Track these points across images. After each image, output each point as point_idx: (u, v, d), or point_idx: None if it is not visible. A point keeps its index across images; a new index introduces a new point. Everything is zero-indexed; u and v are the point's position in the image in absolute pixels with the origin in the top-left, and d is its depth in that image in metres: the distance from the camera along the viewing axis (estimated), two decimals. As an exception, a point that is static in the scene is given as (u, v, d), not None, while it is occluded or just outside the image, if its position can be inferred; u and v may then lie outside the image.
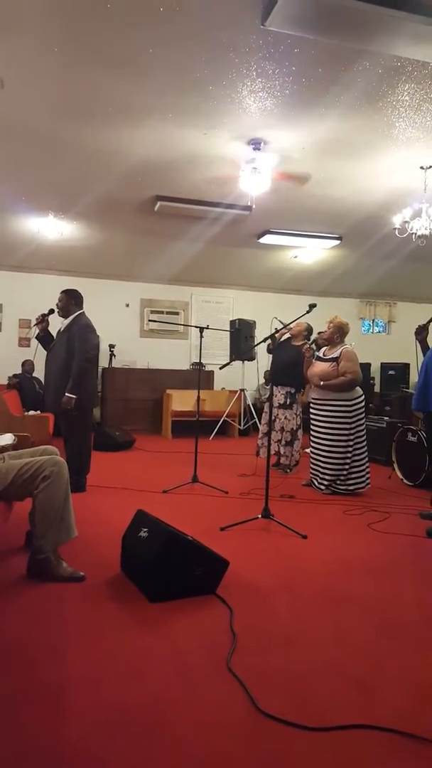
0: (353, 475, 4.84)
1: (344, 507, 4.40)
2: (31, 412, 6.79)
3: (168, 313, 9.85)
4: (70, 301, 4.65)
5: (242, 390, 8.66)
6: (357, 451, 4.85)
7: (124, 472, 5.53)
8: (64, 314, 4.66)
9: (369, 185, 5.65)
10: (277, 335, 4.65)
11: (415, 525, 3.95)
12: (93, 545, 3.18)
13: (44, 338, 4.74)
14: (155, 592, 2.51)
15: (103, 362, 8.62)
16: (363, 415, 4.92)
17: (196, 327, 5.37)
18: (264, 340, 4.24)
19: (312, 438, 5.05)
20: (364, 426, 4.92)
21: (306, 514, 4.19)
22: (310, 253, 8.45)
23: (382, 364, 10.25)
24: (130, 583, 2.69)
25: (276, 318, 4.77)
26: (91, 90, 3.89)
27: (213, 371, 9.18)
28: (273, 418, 5.65)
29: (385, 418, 6.79)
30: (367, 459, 4.92)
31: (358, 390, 4.91)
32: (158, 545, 2.57)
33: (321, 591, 2.72)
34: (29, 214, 6.81)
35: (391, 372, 10.05)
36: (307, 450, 5.24)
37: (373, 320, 11.15)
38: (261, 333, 5.91)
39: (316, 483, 4.98)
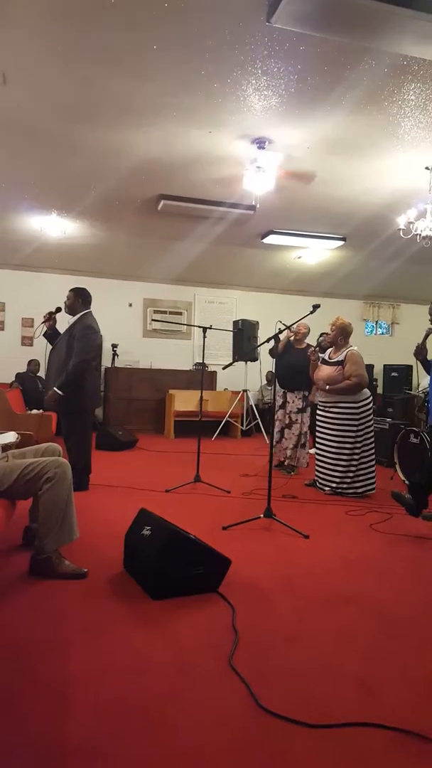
0: (360, 477, 4.81)
1: (346, 507, 4.39)
2: (34, 411, 6.79)
3: (171, 313, 9.85)
4: (78, 299, 4.64)
5: (245, 391, 8.65)
6: (365, 453, 4.82)
7: (126, 472, 5.53)
8: (71, 312, 4.65)
9: (374, 185, 5.64)
10: (282, 339, 4.65)
11: (417, 526, 3.93)
12: (95, 544, 3.17)
13: (52, 336, 4.74)
14: (158, 590, 2.51)
15: (106, 362, 8.62)
16: (371, 417, 4.89)
17: (199, 327, 5.36)
18: (267, 341, 4.22)
19: (318, 440, 5.03)
20: (372, 428, 4.89)
21: (308, 514, 4.18)
22: (314, 253, 8.43)
23: (385, 365, 10.23)
24: (133, 581, 2.69)
25: (280, 321, 4.77)
26: (94, 88, 3.88)
27: (216, 372, 9.17)
28: (290, 422, 5.63)
29: (388, 419, 6.78)
30: (374, 461, 4.89)
31: (366, 392, 4.88)
32: (161, 544, 2.56)
33: (323, 590, 2.71)
34: (32, 213, 6.81)
35: (394, 374, 10.04)
36: (312, 451, 5.22)
37: (377, 322, 11.13)
38: (264, 334, 5.90)
39: (320, 484, 4.96)
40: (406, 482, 5.31)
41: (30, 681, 1.83)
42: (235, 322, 8.64)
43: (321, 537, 3.58)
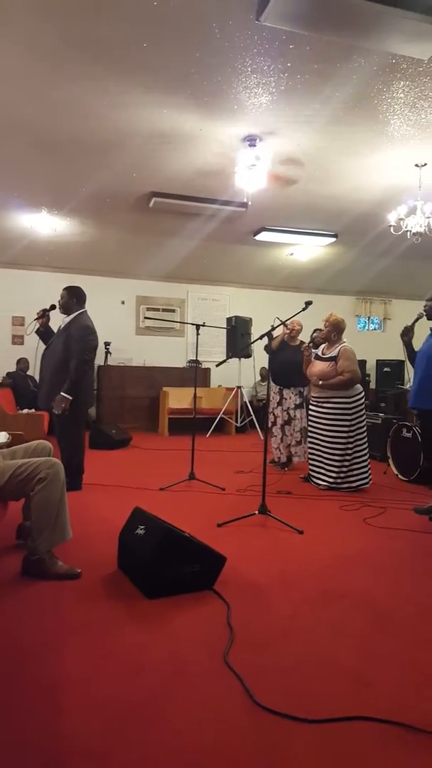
0: (355, 472, 4.87)
1: (340, 502, 4.42)
2: (26, 411, 6.78)
3: (164, 310, 9.84)
4: (72, 299, 4.62)
5: (239, 387, 8.66)
6: (358, 448, 4.87)
7: (120, 470, 5.53)
8: (65, 311, 4.63)
9: (364, 182, 5.65)
10: (273, 333, 4.66)
11: (410, 520, 3.97)
12: (89, 543, 3.18)
13: (44, 333, 4.72)
14: (152, 589, 2.52)
15: (99, 360, 8.57)
16: (363, 411, 4.94)
17: (193, 324, 5.37)
18: (261, 338, 4.24)
19: (311, 435, 5.07)
20: (364, 422, 4.94)
21: (302, 509, 4.20)
22: (306, 250, 8.45)
23: (377, 361, 10.28)
24: (127, 580, 2.70)
25: (278, 318, 4.79)
26: (83, 85, 3.87)
27: (209, 368, 9.19)
28: (289, 419, 5.66)
29: (381, 414, 6.81)
30: (368, 455, 4.94)
31: (358, 387, 4.93)
32: (155, 542, 2.57)
33: (317, 586, 2.73)
34: (22, 210, 6.77)
35: (386, 369, 10.08)
36: (307, 445, 5.26)
37: (369, 317, 11.18)
38: (257, 330, 5.92)
39: (315, 480, 5.00)
40: (399, 478, 5.35)
41: (25, 682, 1.84)
42: (229, 319, 8.65)
43: (315, 532, 3.60)
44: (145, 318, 9.68)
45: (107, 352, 9.00)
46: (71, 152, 5.04)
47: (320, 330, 5.20)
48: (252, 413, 8.53)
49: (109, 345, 8.99)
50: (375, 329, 11.27)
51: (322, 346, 5.11)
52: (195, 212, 6.52)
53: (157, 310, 9.77)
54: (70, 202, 6.40)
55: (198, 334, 5.28)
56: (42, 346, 4.78)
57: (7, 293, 8.96)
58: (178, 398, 8.38)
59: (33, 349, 4.88)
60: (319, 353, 5.08)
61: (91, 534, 3.34)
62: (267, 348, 4.69)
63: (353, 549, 3.33)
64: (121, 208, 6.62)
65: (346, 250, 8.38)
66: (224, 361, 4.83)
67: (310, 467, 5.07)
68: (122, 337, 9.41)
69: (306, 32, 3.11)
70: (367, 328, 11.23)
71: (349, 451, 4.83)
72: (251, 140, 4.63)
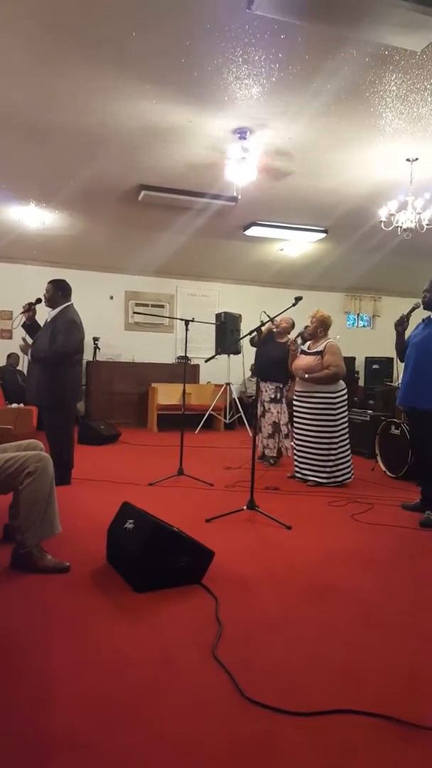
0: (340, 467, 4.89)
1: (328, 498, 4.41)
2: (14, 405, 6.71)
3: (153, 306, 9.78)
4: (57, 292, 4.57)
5: (228, 384, 8.64)
6: (342, 443, 4.91)
7: (109, 466, 5.49)
8: (51, 305, 4.58)
9: (355, 177, 5.64)
10: (263, 329, 4.66)
11: (397, 516, 3.97)
12: (78, 538, 3.15)
13: (31, 327, 4.67)
14: (141, 583, 2.49)
15: (88, 355, 8.52)
16: (346, 407, 5.00)
17: (182, 320, 5.33)
18: (250, 333, 4.21)
19: (296, 431, 5.08)
20: (347, 418, 5.00)
21: (291, 505, 4.19)
22: (297, 245, 8.43)
23: (366, 358, 10.30)
24: (116, 574, 2.67)
25: (264, 312, 4.77)
26: (72, 75, 3.82)
27: (199, 365, 9.14)
28: (263, 411, 5.69)
29: (369, 411, 6.82)
30: (350, 450, 4.99)
31: (342, 383, 4.98)
32: (144, 536, 2.55)
33: (305, 581, 2.72)
34: (9, 203, 6.69)
35: (375, 366, 10.11)
36: (293, 443, 5.25)
37: (358, 314, 11.19)
38: (247, 327, 5.91)
39: (301, 475, 5.00)
40: (387, 475, 5.36)
41: (12, 675, 1.81)
42: (218, 315, 8.61)
43: (303, 528, 3.59)
44: (134, 314, 9.62)
45: (96, 348, 8.93)
46: (60, 144, 4.98)
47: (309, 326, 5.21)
48: (241, 410, 8.51)
49: (98, 341, 8.93)
50: (364, 326, 11.29)
51: (309, 342, 5.13)
52: (184, 206, 6.47)
53: (146, 305, 9.72)
54: (58, 194, 6.33)
55: (187, 330, 5.24)
56: (29, 340, 4.72)
57: (-6, 287, 8.85)
58: (167, 394, 8.34)
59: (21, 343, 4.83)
60: (305, 348, 5.10)
61: (80, 528, 3.30)
62: (251, 340, 4.70)
63: (341, 545, 3.32)
64: (110, 201, 6.56)
65: (336, 245, 8.37)
66: (213, 357, 4.80)
67: (298, 464, 5.07)
68: (111, 332, 9.34)
69: (297, 21, 3.08)
70: (356, 325, 11.24)
71: (334, 447, 4.87)
72: (241, 133, 4.60)
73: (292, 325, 5.78)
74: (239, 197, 5.83)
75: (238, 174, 4.97)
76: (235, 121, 4.43)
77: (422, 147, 4.86)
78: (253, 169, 4.96)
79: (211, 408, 8.41)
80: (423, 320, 4.06)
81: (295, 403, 5.13)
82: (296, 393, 5.12)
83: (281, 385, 5.71)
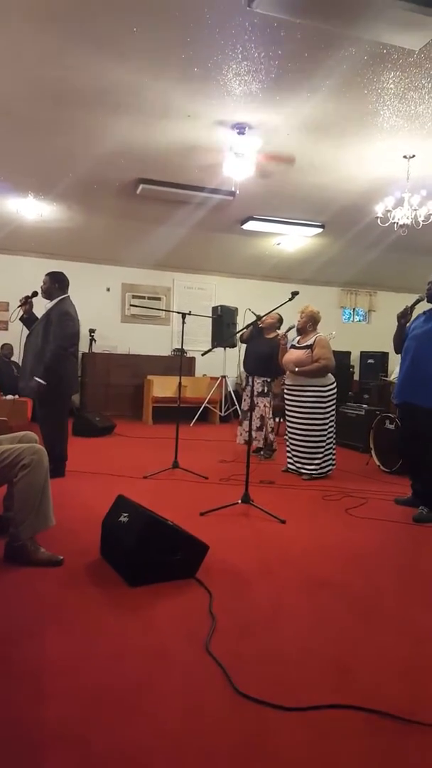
0: (327, 458, 5.03)
1: (323, 492, 4.46)
2: (9, 397, 6.71)
3: (150, 298, 9.78)
4: (54, 284, 4.58)
5: (223, 377, 8.67)
6: (330, 435, 5.04)
7: (104, 458, 5.52)
8: (47, 297, 4.59)
9: (352, 173, 5.65)
10: (260, 324, 4.70)
11: (391, 510, 4.01)
12: (72, 530, 3.17)
13: (28, 320, 4.67)
14: (135, 577, 2.52)
15: (83, 347, 8.53)
16: (335, 401, 5.08)
17: (179, 313, 5.34)
18: (246, 327, 4.25)
19: (289, 424, 5.14)
20: (334, 413, 5.09)
21: (285, 499, 4.23)
22: (293, 240, 8.44)
23: (361, 352, 10.33)
24: (110, 568, 2.70)
25: (249, 309, 4.82)
26: (72, 69, 3.81)
27: (194, 357, 9.15)
28: (252, 405, 5.74)
29: (364, 405, 6.86)
30: (335, 443, 5.13)
31: (331, 377, 5.05)
32: (138, 530, 2.57)
33: (299, 575, 2.76)
34: (8, 194, 6.67)
35: (370, 360, 10.14)
36: (285, 437, 5.30)
37: (354, 309, 11.22)
38: (243, 320, 5.93)
39: (294, 468, 5.06)
40: (381, 469, 5.41)
41: (6, 668, 1.83)
42: (214, 308, 8.62)
43: (298, 522, 3.63)
44: (131, 306, 9.61)
45: (92, 340, 8.93)
46: (59, 137, 4.97)
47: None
48: (236, 403, 8.54)
49: (93, 332, 8.92)
50: (360, 321, 11.33)
51: (298, 337, 5.18)
52: (182, 200, 6.48)
53: (143, 298, 9.71)
54: (57, 187, 6.32)
55: (184, 322, 5.26)
56: (26, 332, 4.74)
57: (-9, 278, 8.84)
58: (162, 387, 8.36)
59: (17, 334, 4.84)
60: (295, 343, 5.18)
61: (74, 521, 3.33)
62: (240, 337, 4.75)
63: (335, 539, 3.36)
64: (109, 194, 6.55)
65: (332, 241, 8.38)
66: (210, 351, 4.83)
67: (290, 456, 5.13)
68: (107, 324, 9.34)
69: (297, 19, 3.09)
70: (352, 319, 11.27)
71: (325, 439, 4.97)
72: (240, 128, 4.60)
73: (279, 320, 5.80)
74: (237, 192, 5.84)
75: (236, 169, 4.98)
76: (234, 116, 4.44)
77: (419, 144, 4.88)
78: (251, 164, 4.97)
79: (206, 401, 8.43)
80: (424, 313, 3.95)
81: (286, 397, 5.20)
82: (287, 387, 5.18)
83: (268, 380, 5.77)
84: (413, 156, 5.10)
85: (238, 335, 4.84)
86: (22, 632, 2.08)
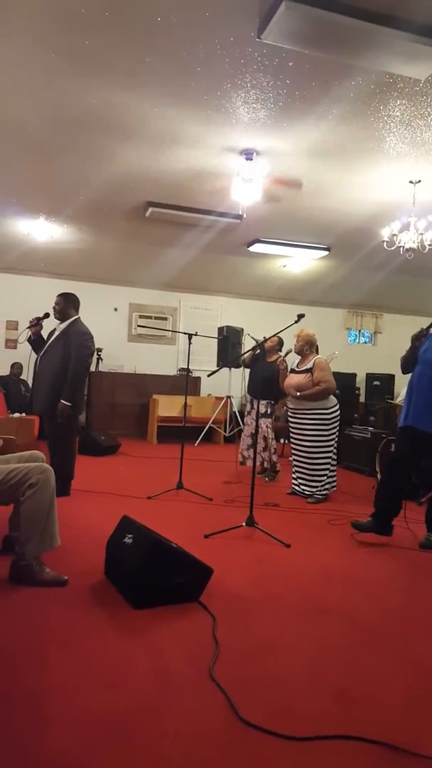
0: (330, 480, 5.05)
1: (328, 516, 4.43)
2: (17, 415, 6.75)
3: (156, 318, 9.85)
4: (68, 305, 4.65)
5: (228, 397, 8.68)
6: (333, 457, 5.07)
7: (108, 477, 5.51)
8: (61, 318, 4.65)
9: (358, 197, 5.71)
10: (266, 345, 4.73)
11: (397, 536, 3.96)
12: (77, 550, 3.16)
13: (36, 342, 4.72)
14: (139, 599, 2.51)
15: (90, 366, 8.57)
16: (338, 424, 5.10)
17: (185, 333, 5.38)
18: (252, 350, 4.27)
19: (293, 448, 5.13)
20: (337, 434, 5.12)
21: (290, 522, 4.20)
22: (299, 262, 8.50)
23: (367, 374, 10.33)
24: (114, 590, 2.69)
25: (249, 335, 4.87)
26: (85, 96, 3.90)
27: (200, 377, 9.19)
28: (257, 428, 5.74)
29: (370, 428, 6.84)
30: (335, 463, 5.15)
31: (334, 399, 5.07)
32: (143, 552, 2.57)
33: (304, 600, 2.73)
34: (20, 216, 6.78)
35: (376, 383, 10.13)
36: (290, 459, 5.30)
37: (360, 331, 11.25)
38: (249, 341, 5.96)
39: (300, 491, 5.05)
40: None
41: (7, 690, 1.82)
42: (220, 329, 8.67)
43: (302, 546, 3.60)
44: (138, 326, 9.68)
45: (99, 359, 8.99)
46: (70, 161, 5.06)
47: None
48: (241, 423, 8.52)
49: (100, 351, 8.98)
50: (366, 342, 11.34)
51: (297, 360, 5.21)
52: (190, 223, 6.56)
53: (150, 318, 9.78)
54: (67, 209, 6.42)
55: (190, 343, 5.29)
56: (39, 354, 4.77)
57: (2, 298, 8.95)
58: (167, 406, 8.38)
59: (26, 353, 4.88)
60: (294, 367, 5.21)
61: (79, 541, 3.32)
62: (243, 362, 4.80)
63: (340, 564, 3.33)
64: (118, 216, 6.65)
65: (339, 263, 8.44)
66: (216, 371, 4.85)
67: (295, 479, 5.13)
68: (114, 343, 9.40)
69: (305, 50, 3.16)
70: (357, 341, 11.29)
71: (330, 461, 4.99)
72: (248, 154, 4.67)
73: (280, 343, 5.81)
74: (244, 215, 5.91)
75: (243, 194, 5.05)
76: (242, 142, 4.51)
77: (425, 170, 4.94)
78: (258, 189, 5.04)
79: (211, 421, 8.44)
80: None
81: (290, 420, 5.20)
82: (290, 411, 5.19)
83: (272, 402, 5.78)
84: (419, 181, 5.16)
85: (241, 359, 4.90)
86: (25, 652, 2.07)
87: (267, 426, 5.75)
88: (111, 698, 1.81)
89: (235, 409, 8.88)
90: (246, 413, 6.07)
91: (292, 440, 5.18)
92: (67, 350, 4.43)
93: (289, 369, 5.26)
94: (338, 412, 5.08)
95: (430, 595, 2.98)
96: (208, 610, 2.51)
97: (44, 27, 3.15)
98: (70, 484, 4.56)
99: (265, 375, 5.56)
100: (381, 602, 2.80)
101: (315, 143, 4.49)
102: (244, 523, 3.79)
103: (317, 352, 5.28)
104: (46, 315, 4.73)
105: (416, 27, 2.96)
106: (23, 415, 6.72)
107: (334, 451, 5.08)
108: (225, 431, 8.73)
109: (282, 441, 6.55)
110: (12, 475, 2.71)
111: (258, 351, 5.48)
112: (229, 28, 3.06)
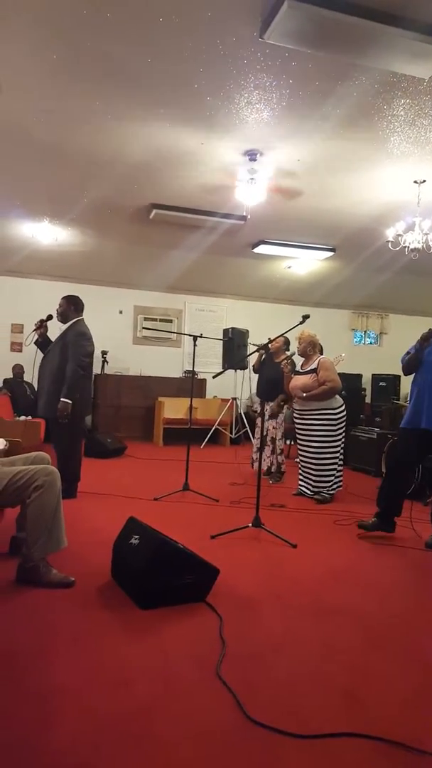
0: (337, 480, 5.06)
1: (334, 516, 4.42)
2: (23, 418, 6.77)
3: (161, 320, 9.86)
4: (70, 306, 4.67)
5: (234, 399, 8.67)
6: (341, 457, 5.08)
7: (115, 479, 5.52)
8: (63, 320, 4.67)
9: (363, 198, 5.71)
10: (271, 346, 4.73)
11: (403, 536, 3.95)
12: (83, 552, 3.17)
13: (43, 344, 4.74)
14: (145, 600, 2.51)
15: (96, 369, 8.57)
16: (344, 424, 5.10)
17: (190, 335, 5.38)
18: (257, 350, 4.27)
19: (300, 448, 5.13)
20: (344, 434, 5.12)
21: (296, 523, 4.20)
22: (304, 263, 8.50)
23: (373, 375, 10.30)
24: (120, 590, 2.69)
25: (252, 343, 4.88)
26: (88, 98, 3.91)
27: (205, 379, 9.19)
28: (267, 431, 5.73)
29: (376, 429, 6.82)
30: (341, 463, 5.16)
31: (340, 399, 5.07)
32: (149, 553, 2.57)
33: (310, 600, 2.73)
34: (24, 219, 6.81)
35: (382, 383, 10.10)
36: (297, 460, 5.29)
37: (365, 331, 11.22)
38: (252, 348, 5.97)
39: (305, 491, 5.05)
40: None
41: (15, 690, 1.83)
42: (225, 331, 8.66)
43: (309, 546, 3.59)
44: (143, 328, 9.69)
45: (104, 362, 9.00)
46: (74, 163, 5.08)
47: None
48: (247, 425, 8.53)
49: (106, 354, 8.99)
50: (371, 343, 11.32)
51: (301, 361, 5.20)
52: (194, 224, 6.56)
53: (155, 320, 9.79)
54: (71, 212, 6.44)
55: (195, 345, 5.29)
56: (40, 354, 4.80)
57: (6, 301, 8.97)
58: (173, 408, 8.38)
59: (31, 356, 4.90)
60: (299, 369, 5.21)
61: (85, 542, 3.33)
62: (253, 368, 4.80)
63: (346, 564, 3.32)
64: (122, 219, 6.66)
65: (344, 264, 8.43)
66: (221, 373, 4.85)
67: (300, 479, 5.12)
68: (119, 346, 9.41)
69: (308, 50, 3.16)
70: (363, 342, 11.27)
71: (337, 461, 5.00)
72: (252, 154, 4.68)
73: (286, 342, 5.80)
74: (248, 216, 5.91)
75: (247, 195, 5.05)
76: (246, 143, 4.51)
77: (430, 169, 4.92)
78: (262, 190, 5.04)
79: (217, 423, 8.43)
80: None
81: (296, 421, 5.20)
82: (297, 412, 5.18)
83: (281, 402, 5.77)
84: (424, 181, 5.14)
85: (251, 367, 4.93)
86: (33, 653, 2.07)
87: (273, 427, 5.74)
88: (118, 698, 1.81)
89: (241, 410, 8.87)
90: (257, 417, 6.00)
91: (298, 441, 5.18)
92: (64, 351, 4.45)
93: (293, 372, 5.25)
94: (345, 413, 5.08)
95: (437, 595, 2.96)
96: (215, 610, 2.51)
97: (47, 29, 3.17)
98: (76, 486, 4.57)
99: (272, 377, 5.57)
100: (388, 602, 2.79)
101: (319, 143, 4.48)
102: (250, 524, 3.78)
103: (321, 353, 5.28)
104: (50, 317, 4.75)
105: (420, 26, 2.96)
106: (29, 417, 6.74)
107: (341, 451, 5.08)
108: (231, 433, 8.73)
109: (288, 442, 6.53)
110: (18, 477, 2.72)
111: (263, 354, 5.51)
112: (231, 28, 3.06)
